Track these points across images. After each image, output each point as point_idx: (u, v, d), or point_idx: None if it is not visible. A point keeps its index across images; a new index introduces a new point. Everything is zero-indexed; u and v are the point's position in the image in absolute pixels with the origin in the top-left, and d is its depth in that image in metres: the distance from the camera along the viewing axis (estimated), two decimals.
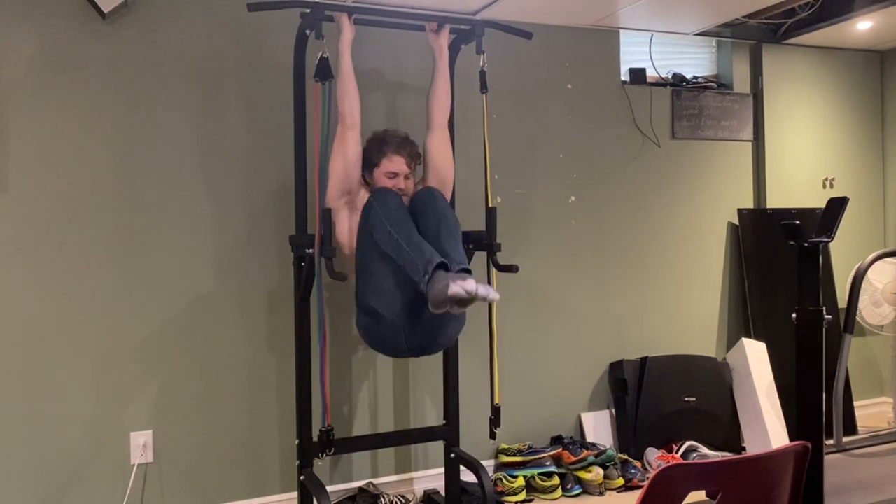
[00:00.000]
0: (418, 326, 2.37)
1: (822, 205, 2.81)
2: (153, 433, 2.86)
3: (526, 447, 3.33)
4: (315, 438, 2.64)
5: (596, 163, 3.67)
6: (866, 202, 4.36)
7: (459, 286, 2.11)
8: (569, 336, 3.60)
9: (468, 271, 2.23)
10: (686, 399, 3.59)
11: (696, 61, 4.07)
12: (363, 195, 2.60)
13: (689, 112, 3.89)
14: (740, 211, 4.00)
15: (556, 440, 3.41)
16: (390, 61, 3.22)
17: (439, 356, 2.86)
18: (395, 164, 2.60)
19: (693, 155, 3.92)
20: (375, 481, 3.15)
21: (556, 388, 3.56)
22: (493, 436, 2.80)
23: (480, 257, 2.76)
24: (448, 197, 2.74)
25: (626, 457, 3.40)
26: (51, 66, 2.74)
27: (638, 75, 3.80)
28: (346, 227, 2.56)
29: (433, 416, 3.26)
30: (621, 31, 3.72)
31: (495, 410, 2.77)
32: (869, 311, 3.92)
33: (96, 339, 2.79)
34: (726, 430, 3.64)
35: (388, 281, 2.36)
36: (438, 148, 2.71)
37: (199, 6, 2.93)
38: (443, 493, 3.03)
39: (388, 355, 2.63)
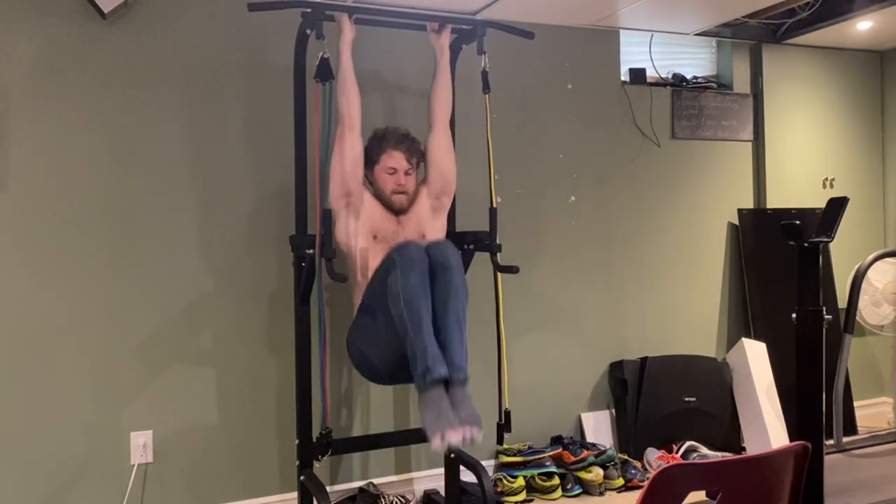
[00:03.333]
0: (402, 378, 2.39)
1: (822, 205, 2.81)
2: (153, 433, 2.86)
3: (526, 447, 3.33)
4: (314, 439, 2.64)
5: (596, 163, 3.67)
6: (866, 202, 4.35)
7: (442, 441, 2.17)
8: (569, 336, 3.60)
9: (463, 382, 2.27)
10: (686, 399, 3.59)
11: (696, 61, 4.07)
12: (366, 196, 2.60)
13: (689, 112, 3.89)
14: (740, 211, 4.00)
15: (556, 440, 3.41)
16: (390, 61, 3.22)
17: None
18: (394, 159, 2.61)
19: (693, 155, 3.92)
20: (375, 481, 3.15)
21: (556, 388, 3.56)
22: (500, 441, 2.78)
23: (481, 258, 2.76)
24: (450, 198, 2.75)
25: (626, 457, 3.40)
26: (51, 67, 2.74)
27: (638, 75, 3.80)
28: (345, 228, 2.57)
29: None
30: (621, 31, 3.72)
31: (505, 415, 2.73)
32: (869, 311, 3.92)
33: (96, 339, 2.79)
34: (726, 430, 3.64)
35: (385, 336, 2.35)
36: (441, 147, 2.71)
37: (199, 6, 2.93)
38: (443, 493, 3.03)
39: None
